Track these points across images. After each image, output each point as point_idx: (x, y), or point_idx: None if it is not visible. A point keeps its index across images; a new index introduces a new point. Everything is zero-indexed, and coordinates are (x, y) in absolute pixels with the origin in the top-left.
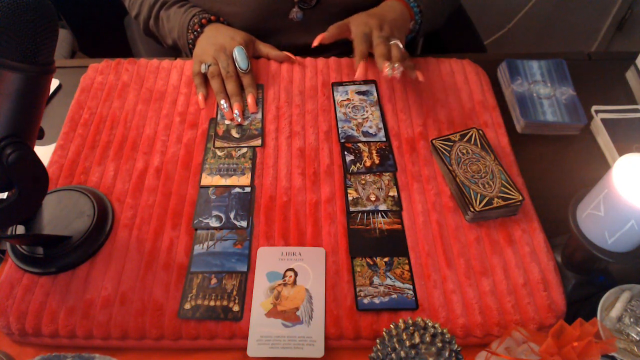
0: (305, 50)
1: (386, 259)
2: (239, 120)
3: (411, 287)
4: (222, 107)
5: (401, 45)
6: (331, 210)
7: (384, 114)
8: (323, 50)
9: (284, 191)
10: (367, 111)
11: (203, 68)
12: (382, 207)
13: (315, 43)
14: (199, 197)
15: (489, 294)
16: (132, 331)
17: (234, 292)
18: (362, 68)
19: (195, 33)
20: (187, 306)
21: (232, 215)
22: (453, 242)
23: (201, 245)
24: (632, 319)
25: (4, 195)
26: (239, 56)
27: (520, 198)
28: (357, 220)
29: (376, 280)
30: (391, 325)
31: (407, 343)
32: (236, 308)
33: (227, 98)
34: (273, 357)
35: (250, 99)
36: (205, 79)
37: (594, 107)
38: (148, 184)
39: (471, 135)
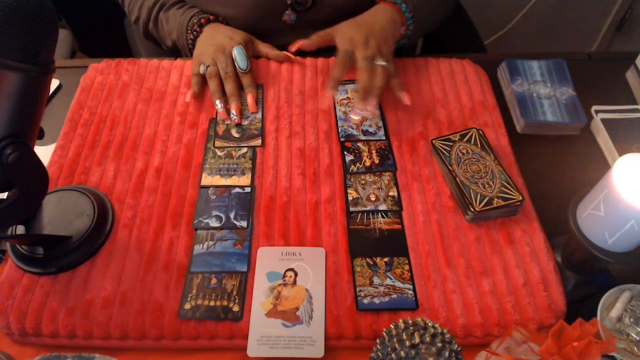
0: (300, 52)
1: (386, 259)
2: (236, 120)
3: (411, 287)
4: (216, 107)
5: (386, 64)
6: (331, 210)
7: (384, 113)
8: (322, 51)
9: (284, 191)
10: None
11: (202, 69)
12: (382, 207)
13: (294, 48)
14: (199, 197)
15: (489, 294)
16: (132, 331)
17: (234, 292)
18: (329, 96)
19: (194, 33)
20: (187, 306)
21: (232, 215)
22: (453, 242)
23: (201, 245)
24: (632, 319)
25: (4, 195)
26: (239, 56)
27: (520, 198)
28: (357, 220)
29: (376, 280)
30: (391, 325)
31: (407, 343)
32: (236, 308)
33: (222, 99)
34: (273, 357)
35: (250, 99)
36: (203, 79)
37: (594, 107)
38: (148, 184)
39: (471, 135)
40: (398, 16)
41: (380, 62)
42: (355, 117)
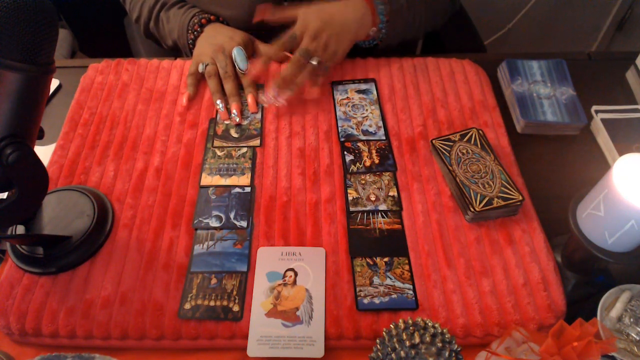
0: None
1: (386, 259)
2: (237, 120)
3: (411, 287)
4: (217, 107)
5: (316, 64)
6: (331, 210)
7: (384, 113)
8: None
9: (284, 191)
10: (366, 110)
11: (200, 68)
12: (382, 207)
13: (257, 18)
14: (199, 197)
15: (489, 294)
16: (132, 331)
17: (234, 292)
18: (258, 68)
19: (195, 33)
20: (187, 306)
21: (232, 215)
22: (453, 242)
23: (201, 245)
24: (632, 319)
25: (4, 195)
26: (239, 57)
27: (520, 198)
28: (357, 220)
29: (376, 280)
30: (391, 325)
31: (407, 343)
32: (236, 308)
33: (223, 98)
34: (273, 357)
35: (250, 99)
36: (199, 79)
37: (594, 107)
38: (148, 184)
39: (471, 135)
40: (370, 15)
41: (313, 62)
42: (264, 99)
